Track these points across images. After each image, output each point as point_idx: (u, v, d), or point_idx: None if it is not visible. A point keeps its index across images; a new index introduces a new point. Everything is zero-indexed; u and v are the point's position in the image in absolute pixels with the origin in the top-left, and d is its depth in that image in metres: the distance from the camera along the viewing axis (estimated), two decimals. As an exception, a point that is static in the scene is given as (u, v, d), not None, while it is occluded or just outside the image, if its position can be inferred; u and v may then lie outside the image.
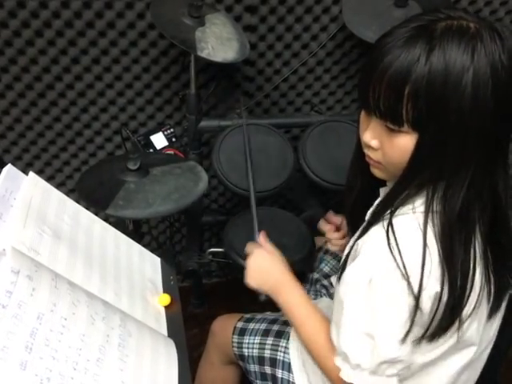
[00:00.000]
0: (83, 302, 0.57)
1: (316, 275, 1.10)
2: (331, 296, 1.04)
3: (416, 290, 0.61)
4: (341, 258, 1.10)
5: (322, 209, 1.50)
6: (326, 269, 1.10)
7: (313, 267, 1.12)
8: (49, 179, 1.48)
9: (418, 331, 0.65)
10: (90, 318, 0.56)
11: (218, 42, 1.13)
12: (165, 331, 0.71)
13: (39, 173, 1.46)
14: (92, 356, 0.53)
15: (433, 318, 0.64)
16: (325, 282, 1.07)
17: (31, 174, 0.73)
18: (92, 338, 0.55)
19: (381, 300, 0.64)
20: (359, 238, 0.70)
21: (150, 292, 0.76)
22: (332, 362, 0.70)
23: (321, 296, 1.05)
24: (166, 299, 0.76)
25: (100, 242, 0.75)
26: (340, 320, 0.67)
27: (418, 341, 0.65)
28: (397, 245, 0.62)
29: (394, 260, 0.62)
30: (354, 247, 0.70)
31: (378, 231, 0.66)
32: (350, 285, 0.67)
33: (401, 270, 0.61)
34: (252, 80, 1.42)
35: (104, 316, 0.59)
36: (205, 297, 1.63)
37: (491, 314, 0.71)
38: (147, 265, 0.81)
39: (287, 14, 1.33)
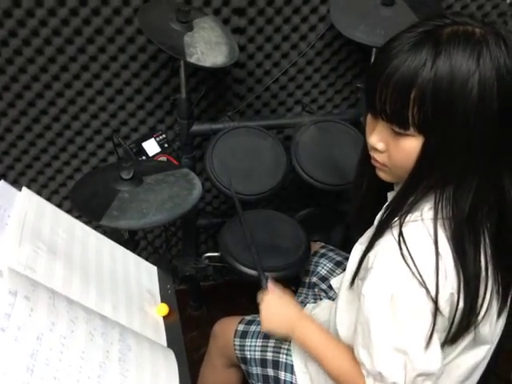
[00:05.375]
0: (81, 318, 0.58)
1: (313, 279, 1.10)
2: (331, 299, 1.04)
3: (434, 294, 0.62)
4: (338, 261, 1.12)
5: (316, 208, 1.52)
6: (323, 272, 1.10)
7: (308, 271, 1.13)
8: (42, 187, 1.47)
9: (441, 336, 0.65)
10: (89, 335, 0.57)
11: (207, 46, 1.13)
12: (164, 341, 0.71)
13: (32, 181, 1.46)
14: (93, 373, 0.54)
15: (453, 320, 0.65)
16: (323, 286, 1.08)
17: (24, 189, 0.72)
18: (92, 354, 0.55)
19: (406, 314, 0.64)
20: (369, 249, 0.69)
21: (148, 302, 0.76)
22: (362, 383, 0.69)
23: (320, 299, 1.06)
24: (164, 309, 0.76)
25: (96, 255, 0.75)
26: (369, 341, 0.66)
27: (442, 346, 0.66)
28: (409, 253, 0.63)
29: (409, 269, 0.62)
30: (366, 259, 0.70)
31: (388, 242, 0.66)
32: (372, 304, 0.66)
33: (417, 278, 0.62)
34: (242, 82, 1.42)
35: (103, 331, 0.59)
36: (203, 299, 1.64)
37: (500, 312, 0.72)
38: (144, 275, 0.82)
39: (275, 15, 1.33)
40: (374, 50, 1.29)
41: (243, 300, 1.66)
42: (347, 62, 1.46)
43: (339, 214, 1.50)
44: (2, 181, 0.69)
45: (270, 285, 0.91)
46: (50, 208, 0.75)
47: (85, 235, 0.76)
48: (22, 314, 0.50)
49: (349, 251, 1.14)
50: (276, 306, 0.87)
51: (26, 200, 0.71)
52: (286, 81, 1.45)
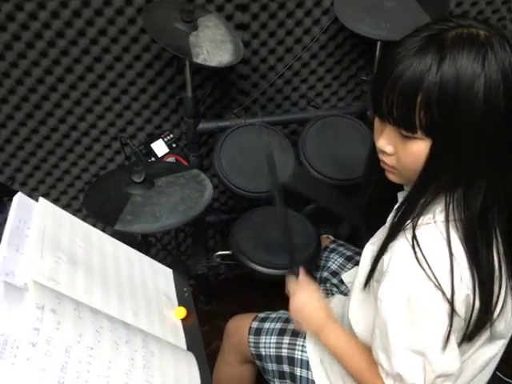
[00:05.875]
0: (106, 327, 0.59)
1: (324, 273, 1.11)
2: (343, 293, 1.06)
3: (449, 296, 0.63)
4: (348, 256, 1.13)
5: (323, 203, 1.52)
6: (334, 266, 1.11)
7: (318, 266, 1.14)
8: (50, 188, 1.48)
9: (458, 336, 0.67)
10: (114, 344, 0.58)
11: (213, 45, 1.13)
12: (184, 344, 0.72)
13: (40, 183, 1.46)
14: (120, 381, 0.55)
15: (469, 320, 0.66)
16: (334, 281, 1.09)
17: (41, 199, 0.73)
18: (118, 363, 0.56)
19: (423, 316, 0.65)
20: (382, 252, 0.70)
21: (166, 306, 0.77)
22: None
23: (332, 294, 1.07)
24: (182, 312, 0.77)
25: (113, 261, 0.76)
26: (388, 344, 0.67)
27: (459, 345, 0.67)
28: (424, 257, 0.64)
29: (424, 273, 0.63)
30: (380, 262, 0.71)
31: (402, 245, 0.67)
32: (389, 307, 0.67)
33: (433, 282, 0.63)
34: (247, 78, 1.42)
35: (127, 339, 0.60)
36: (213, 293, 1.66)
37: None
38: (160, 278, 0.82)
39: (279, 10, 1.33)
40: (378, 42, 1.28)
41: (252, 293, 1.68)
42: (351, 54, 1.46)
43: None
44: (20, 193, 0.69)
45: (303, 275, 0.89)
46: (66, 217, 0.75)
47: (101, 242, 0.77)
48: (50, 328, 0.51)
49: (356, 244, 1.15)
50: (307, 305, 0.85)
51: (44, 210, 0.71)
52: (291, 75, 1.45)
